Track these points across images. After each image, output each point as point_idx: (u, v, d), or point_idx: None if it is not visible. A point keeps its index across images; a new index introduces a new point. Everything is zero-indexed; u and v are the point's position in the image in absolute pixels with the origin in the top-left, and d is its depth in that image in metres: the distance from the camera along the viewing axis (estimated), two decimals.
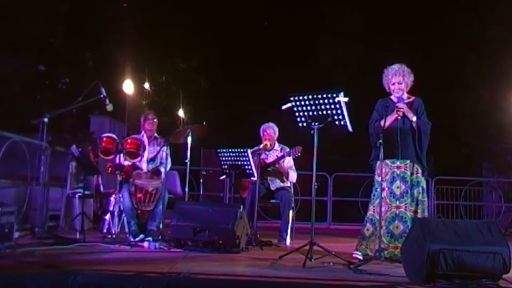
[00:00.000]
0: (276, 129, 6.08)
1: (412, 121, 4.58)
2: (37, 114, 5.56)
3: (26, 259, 3.88)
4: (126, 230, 5.49)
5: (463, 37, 12.21)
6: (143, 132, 5.95)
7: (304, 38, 14.38)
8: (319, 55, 14.12)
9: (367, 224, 4.65)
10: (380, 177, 4.59)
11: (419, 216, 4.51)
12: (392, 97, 4.73)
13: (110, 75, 10.11)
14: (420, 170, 4.62)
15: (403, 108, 4.55)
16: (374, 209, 4.61)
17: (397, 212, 4.56)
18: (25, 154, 6.26)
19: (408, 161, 4.62)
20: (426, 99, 4.80)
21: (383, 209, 4.48)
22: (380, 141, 4.35)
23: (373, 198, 4.67)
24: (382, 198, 4.56)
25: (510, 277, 3.41)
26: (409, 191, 4.58)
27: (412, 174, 4.61)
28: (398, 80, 4.67)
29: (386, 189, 4.63)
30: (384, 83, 4.80)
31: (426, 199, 4.65)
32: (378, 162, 4.58)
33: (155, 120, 5.97)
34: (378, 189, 4.63)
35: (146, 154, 5.75)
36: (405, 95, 4.71)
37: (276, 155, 5.98)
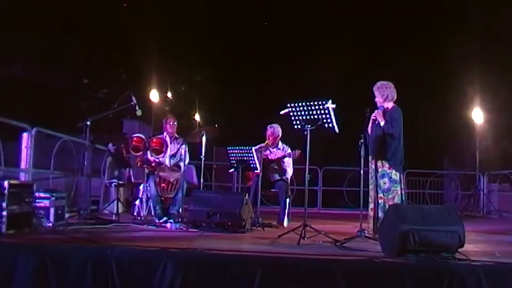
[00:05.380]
0: (279, 130, 5.96)
1: (381, 125, 4.67)
2: (82, 118, 5.57)
3: (74, 235, 3.91)
4: (152, 213, 5.50)
5: (433, 56, 12.20)
6: (165, 133, 5.94)
7: (300, 53, 14.44)
8: (313, 67, 14.08)
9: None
10: None
11: (390, 202, 4.54)
12: None
13: (139, 86, 10.13)
14: (387, 165, 4.64)
15: (374, 116, 4.72)
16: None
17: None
18: (72, 150, 6.31)
19: (375, 157, 4.69)
20: (402, 105, 4.83)
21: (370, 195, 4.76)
22: (361, 140, 4.39)
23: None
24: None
25: (464, 250, 3.42)
26: (373, 181, 4.67)
27: (377, 168, 4.65)
28: (375, 93, 4.83)
29: (371, 180, 4.79)
30: None
31: (397, 188, 4.64)
32: None
33: (175, 123, 5.95)
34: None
35: (168, 151, 5.75)
36: (386, 104, 4.76)
37: (279, 154, 5.94)
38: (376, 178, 4.64)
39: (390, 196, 4.61)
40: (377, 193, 4.63)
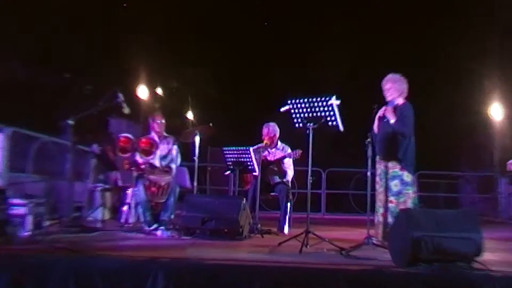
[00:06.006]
0: (276, 129, 6.00)
1: (391, 123, 4.65)
2: (63, 117, 5.56)
3: (55, 245, 3.90)
4: (142, 220, 5.48)
5: (445, 48, 12.22)
6: (152, 132, 5.91)
7: (301, 47, 14.46)
8: (316, 60, 14.12)
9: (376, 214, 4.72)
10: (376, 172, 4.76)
11: (402, 206, 4.52)
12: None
13: (126, 81, 10.13)
14: (398, 166, 4.64)
15: (382, 112, 4.69)
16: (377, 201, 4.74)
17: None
18: (53, 152, 6.30)
19: (386, 158, 4.68)
20: (412, 100, 4.83)
21: (377, 199, 4.67)
22: (368, 139, 4.40)
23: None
24: (376, 190, 4.71)
25: (482, 259, 3.41)
26: (383, 183, 4.65)
27: (388, 169, 4.64)
28: (387, 86, 4.77)
29: (379, 182, 4.73)
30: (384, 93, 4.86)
31: (410, 191, 4.62)
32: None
33: (163, 121, 5.91)
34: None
35: (158, 152, 5.73)
36: (397, 100, 4.75)
37: (278, 154, 5.95)
38: (386, 180, 4.63)
39: (401, 200, 4.59)
40: (387, 196, 4.63)
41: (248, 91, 14.95)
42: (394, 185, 4.62)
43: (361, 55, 13.24)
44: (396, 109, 4.70)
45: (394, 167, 4.65)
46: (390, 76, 4.79)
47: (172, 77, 13.99)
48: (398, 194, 4.61)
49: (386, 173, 4.65)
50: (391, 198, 4.61)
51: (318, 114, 4.39)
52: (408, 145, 4.66)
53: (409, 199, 4.62)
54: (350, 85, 12.43)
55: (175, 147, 5.77)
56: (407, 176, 4.64)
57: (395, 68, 4.95)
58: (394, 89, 4.74)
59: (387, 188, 4.62)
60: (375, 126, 4.79)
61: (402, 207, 4.50)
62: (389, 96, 4.76)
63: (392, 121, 4.63)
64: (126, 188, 5.87)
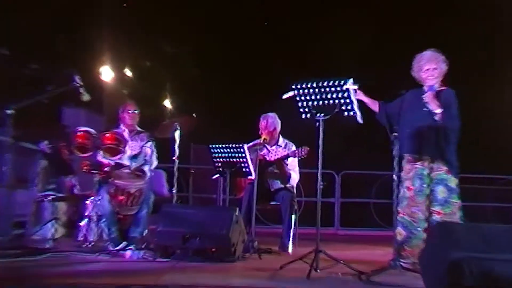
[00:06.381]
0: (277, 121, 6.06)
1: (435, 113, 4.58)
2: (0, 105, 5.52)
3: None
4: (106, 237, 5.47)
5: (480, 29, 12.27)
6: (122, 125, 5.94)
7: (309, 19, 14.50)
8: (327, 36, 14.18)
9: (398, 227, 4.68)
10: (404, 175, 4.74)
11: (448, 219, 4.49)
12: (425, 86, 4.75)
13: (86, 60, 10.09)
14: (443, 168, 4.62)
15: (426, 99, 4.60)
16: (402, 211, 4.70)
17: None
18: None
19: (428, 158, 4.63)
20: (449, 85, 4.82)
21: (414, 209, 4.64)
22: (395, 134, 4.38)
23: (400, 199, 4.74)
24: (408, 198, 4.68)
25: None
26: (424, 189, 4.63)
27: (431, 171, 4.61)
28: (432, 66, 4.72)
29: (413, 187, 4.71)
30: (414, 72, 4.82)
31: (457, 200, 4.61)
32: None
33: (136, 112, 5.95)
34: (402, 188, 4.74)
35: (127, 150, 5.72)
36: (438, 84, 4.74)
37: (279, 153, 5.96)
38: (430, 185, 4.59)
39: (447, 211, 4.57)
40: (430, 206, 4.59)
41: (242, 73, 14.97)
42: (441, 191, 4.61)
43: (387, 28, 13.34)
44: (438, 96, 4.66)
45: (439, 169, 4.63)
46: (431, 53, 4.74)
47: (146, 55, 13.96)
48: (444, 203, 4.59)
49: (429, 176, 4.61)
50: (438, 208, 4.58)
51: (331, 102, 4.39)
52: (454, 143, 4.66)
53: (457, 210, 4.61)
54: (370, 66, 12.48)
55: (149, 144, 5.76)
56: (453, 181, 4.63)
57: (427, 46, 4.92)
58: (439, 70, 4.73)
59: (431, 196, 4.59)
60: (377, 110, 4.84)
61: (448, 219, 4.47)
62: (432, 79, 4.71)
63: (437, 111, 4.56)
64: (86, 197, 5.86)
